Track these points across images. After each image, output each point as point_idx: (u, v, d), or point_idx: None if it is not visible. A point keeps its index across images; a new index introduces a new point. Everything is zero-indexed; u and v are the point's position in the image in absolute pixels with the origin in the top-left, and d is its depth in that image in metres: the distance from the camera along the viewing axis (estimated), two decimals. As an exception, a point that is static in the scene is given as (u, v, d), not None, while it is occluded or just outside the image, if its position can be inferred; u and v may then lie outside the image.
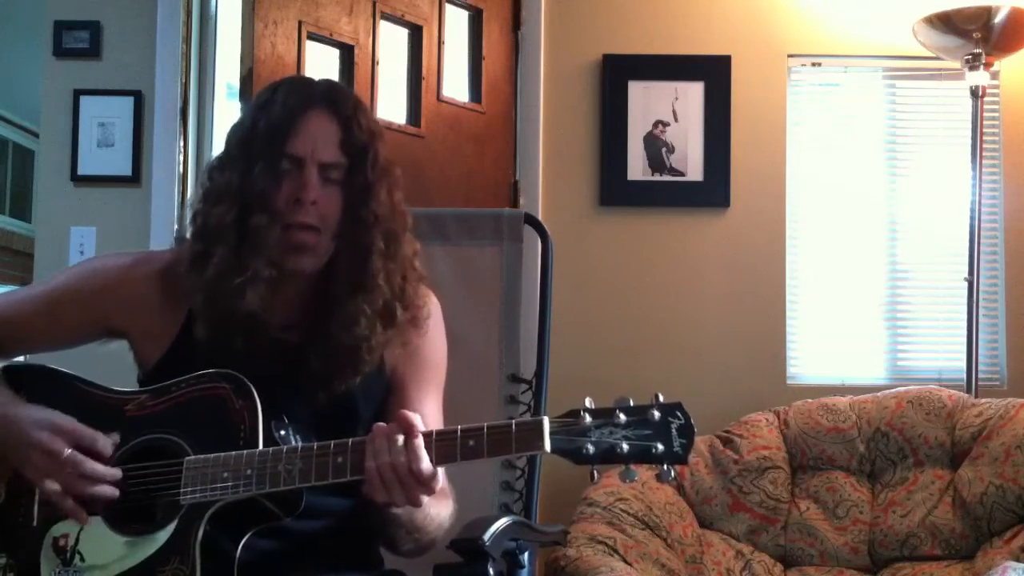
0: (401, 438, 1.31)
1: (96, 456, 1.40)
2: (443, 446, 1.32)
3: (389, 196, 1.53)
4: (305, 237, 1.48)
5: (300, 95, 1.51)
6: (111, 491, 1.40)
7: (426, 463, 1.30)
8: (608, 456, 1.28)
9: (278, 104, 1.50)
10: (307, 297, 1.55)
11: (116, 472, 1.40)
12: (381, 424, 1.35)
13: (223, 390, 1.42)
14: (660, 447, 1.28)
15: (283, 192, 1.47)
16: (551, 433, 1.29)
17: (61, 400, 1.50)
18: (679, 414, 1.29)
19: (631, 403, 1.30)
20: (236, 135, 1.54)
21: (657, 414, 1.29)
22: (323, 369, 1.50)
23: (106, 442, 1.42)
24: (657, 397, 1.31)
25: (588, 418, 1.29)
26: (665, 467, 1.29)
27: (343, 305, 1.50)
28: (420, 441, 1.31)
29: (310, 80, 1.59)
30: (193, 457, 1.39)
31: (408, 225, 1.58)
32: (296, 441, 1.41)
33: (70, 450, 1.39)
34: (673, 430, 1.28)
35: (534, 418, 1.33)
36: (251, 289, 1.45)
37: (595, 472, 1.30)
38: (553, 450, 1.29)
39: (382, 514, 1.42)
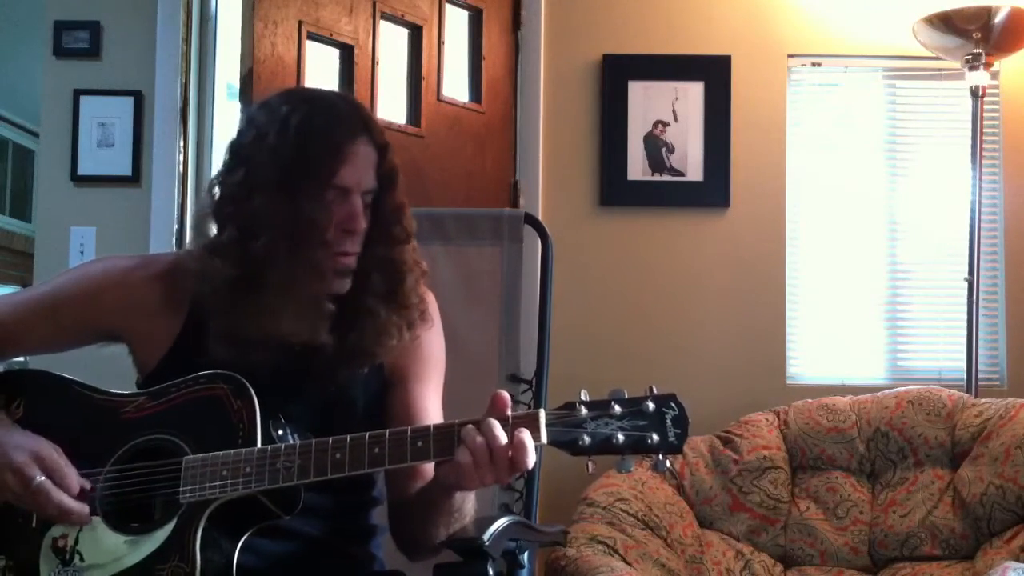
0: (498, 423, 1.31)
1: (66, 490, 1.40)
2: (442, 439, 1.33)
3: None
4: (349, 262, 1.50)
5: (345, 124, 1.49)
6: (77, 522, 1.41)
7: (531, 442, 1.31)
8: (604, 447, 1.30)
9: (321, 131, 1.46)
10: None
11: (83, 507, 1.41)
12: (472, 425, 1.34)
13: (221, 391, 1.43)
14: (655, 437, 1.30)
15: (333, 222, 1.47)
16: (548, 425, 1.31)
17: (59, 404, 1.50)
18: (673, 405, 1.31)
19: (626, 395, 1.32)
20: (268, 156, 1.46)
21: (652, 405, 1.31)
22: (334, 364, 1.50)
23: (76, 480, 1.41)
24: (651, 389, 1.32)
25: (584, 410, 1.31)
26: (660, 457, 1.31)
27: (377, 318, 1.51)
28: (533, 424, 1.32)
29: (340, 102, 1.54)
30: (192, 456, 1.39)
31: (414, 229, 1.59)
32: (294, 440, 1.41)
33: (42, 478, 1.39)
34: (668, 420, 1.30)
35: (531, 411, 1.34)
36: (298, 319, 1.46)
37: (590, 463, 1.32)
38: (550, 442, 1.31)
39: (437, 504, 1.45)
